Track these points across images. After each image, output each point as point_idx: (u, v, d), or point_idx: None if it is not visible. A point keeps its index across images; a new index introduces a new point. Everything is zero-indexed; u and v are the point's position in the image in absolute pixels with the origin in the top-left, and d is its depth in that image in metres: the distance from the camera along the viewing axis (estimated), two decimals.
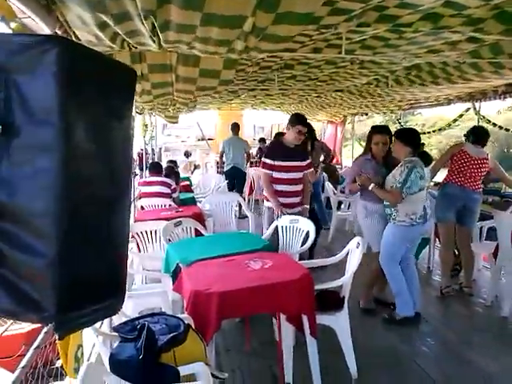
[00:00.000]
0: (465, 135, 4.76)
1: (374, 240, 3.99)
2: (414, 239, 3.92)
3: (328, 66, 4.64)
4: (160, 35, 2.31)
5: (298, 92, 6.72)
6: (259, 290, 2.58)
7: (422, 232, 3.91)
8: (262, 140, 11.54)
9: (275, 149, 4.50)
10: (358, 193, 4.24)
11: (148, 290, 3.51)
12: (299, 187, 4.39)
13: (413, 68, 4.82)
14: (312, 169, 4.63)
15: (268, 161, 4.32)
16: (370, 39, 3.48)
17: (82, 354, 1.89)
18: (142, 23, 2.12)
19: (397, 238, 3.82)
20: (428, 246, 5.53)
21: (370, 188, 3.87)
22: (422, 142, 4.07)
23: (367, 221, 4.11)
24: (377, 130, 4.12)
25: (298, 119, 4.35)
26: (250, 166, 10.28)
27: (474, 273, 4.88)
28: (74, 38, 2.48)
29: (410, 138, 3.82)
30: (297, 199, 4.40)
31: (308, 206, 4.54)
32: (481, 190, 4.63)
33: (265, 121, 18.59)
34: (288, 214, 4.22)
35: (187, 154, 14.14)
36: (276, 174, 4.29)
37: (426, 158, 3.88)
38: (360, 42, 3.56)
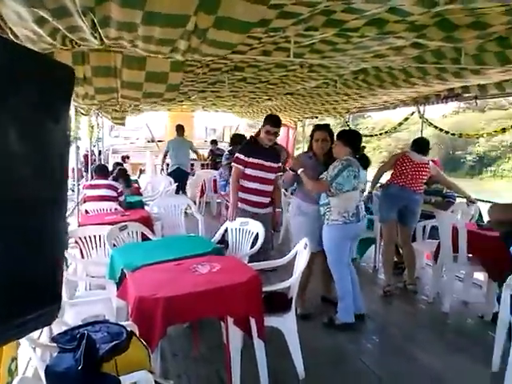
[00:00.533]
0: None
1: (299, 241, 3.93)
2: (351, 238, 3.97)
3: (278, 69, 4.67)
4: (100, 31, 2.23)
5: (249, 94, 6.73)
6: (206, 295, 2.54)
7: (357, 231, 3.94)
8: (214, 142, 11.49)
9: (250, 146, 4.52)
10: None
11: (91, 297, 3.38)
12: (270, 188, 4.41)
13: (360, 72, 4.93)
14: (281, 173, 4.67)
15: (242, 156, 4.35)
16: (318, 43, 3.51)
17: (17, 367, 1.79)
18: (82, 19, 2.04)
19: (336, 239, 3.86)
20: (374, 246, 5.70)
21: (298, 172, 3.91)
22: (362, 145, 4.18)
23: (297, 219, 4.15)
24: (317, 127, 4.24)
25: (267, 119, 4.41)
26: (202, 168, 10.21)
27: (417, 270, 5.09)
28: (10, 35, 2.36)
29: (351, 139, 3.91)
30: (266, 199, 4.42)
31: (280, 210, 4.60)
32: (422, 191, 4.84)
33: (217, 123, 18.52)
34: (257, 213, 4.28)
35: (124, 159, 12.97)
36: (248, 171, 4.33)
37: (365, 161, 3.97)
38: (308, 46, 3.59)
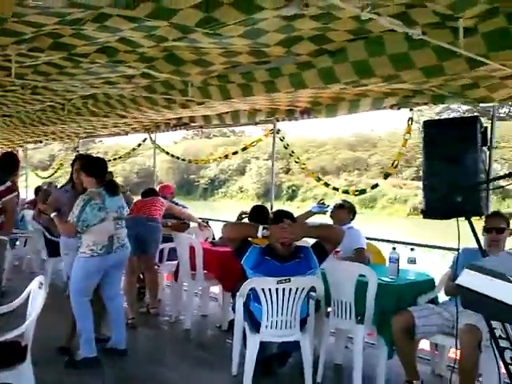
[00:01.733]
0: None
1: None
2: (99, 271, 3.74)
3: None
4: None
5: None
6: None
7: (107, 263, 3.74)
8: None
9: None
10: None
11: None
12: None
13: (89, 97, 4.84)
14: (15, 193, 4.19)
15: None
16: (43, 65, 3.35)
17: None
18: None
19: (81, 272, 3.66)
20: None
21: (51, 216, 3.70)
22: (110, 170, 4.12)
23: (67, 258, 3.88)
24: (76, 158, 4.13)
25: None
26: None
27: (159, 292, 5.24)
28: None
29: (92, 168, 3.75)
30: None
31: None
32: (157, 218, 5.03)
33: None
34: None
35: None
36: None
37: (112, 187, 3.87)
38: (33, 67, 3.36)
